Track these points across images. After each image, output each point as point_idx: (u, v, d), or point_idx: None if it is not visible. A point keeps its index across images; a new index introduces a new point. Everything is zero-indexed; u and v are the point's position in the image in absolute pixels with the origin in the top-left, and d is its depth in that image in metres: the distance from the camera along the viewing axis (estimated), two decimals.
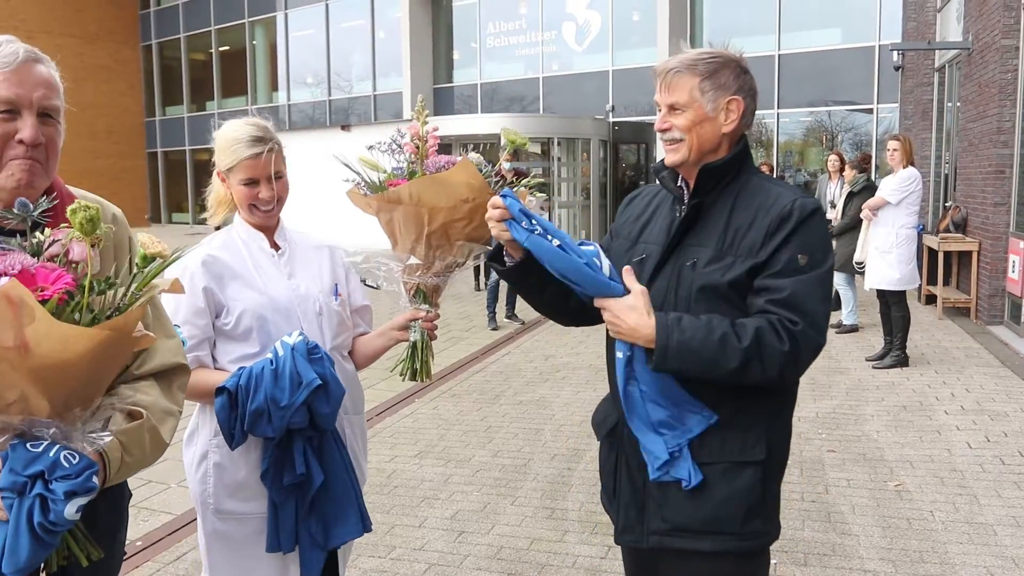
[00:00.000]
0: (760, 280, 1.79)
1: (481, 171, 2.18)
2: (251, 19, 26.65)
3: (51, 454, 1.36)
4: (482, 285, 12.28)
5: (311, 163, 8.97)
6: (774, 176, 2.33)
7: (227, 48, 27.87)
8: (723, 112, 1.86)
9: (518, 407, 6.21)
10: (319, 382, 2.03)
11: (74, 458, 1.38)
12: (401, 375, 2.39)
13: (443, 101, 22.27)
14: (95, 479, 1.39)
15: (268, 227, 2.29)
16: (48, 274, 1.29)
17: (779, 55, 17.33)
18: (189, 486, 2.25)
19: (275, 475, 2.09)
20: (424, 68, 22.21)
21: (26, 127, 1.50)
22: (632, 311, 1.78)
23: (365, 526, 2.26)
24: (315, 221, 7.14)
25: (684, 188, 1.95)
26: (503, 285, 9.68)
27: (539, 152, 18.48)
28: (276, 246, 2.30)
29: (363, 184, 2.29)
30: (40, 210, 1.40)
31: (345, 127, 21.37)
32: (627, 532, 1.99)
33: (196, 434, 2.24)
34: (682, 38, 18.03)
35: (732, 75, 1.87)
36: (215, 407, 2.04)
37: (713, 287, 1.81)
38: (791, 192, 1.87)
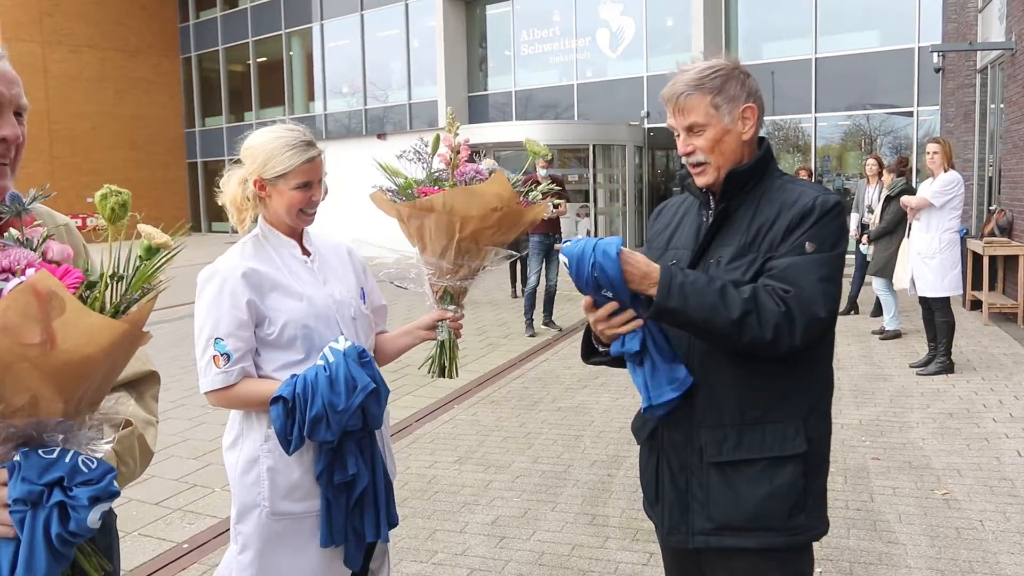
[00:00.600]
0: (768, 264, 1.84)
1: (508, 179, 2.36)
2: (287, 30, 27.00)
3: (67, 460, 1.29)
4: (519, 292, 12.30)
5: (348, 172, 9.07)
6: (812, 181, 2.35)
7: (264, 59, 28.27)
8: (740, 121, 1.91)
9: (557, 413, 6.21)
10: (373, 385, 2.08)
11: (92, 463, 1.32)
12: (429, 372, 2.49)
13: (478, 109, 22.37)
14: (115, 483, 1.33)
15: (296, 233, 2.31)
16: (54, 269, 1.25)
17: (816, 58, 17.17)
18: (234, 491, 2.26)
19: (328, 475, 2.13)
20: (459, 76, 22.34)
21: (7, 125, 1.46)
22: (643, 261, 1.82)
23: (391, 521, 2.30)
24: (351, 229, 7.24)
25: (710, 194, 1.99)
26: (540, 292, 9.69)
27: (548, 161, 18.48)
28: (307, 252, 2.34)
29: (394, 191, 2.38)
30: (32, 202, 1.37)
31: (381, 136, 21.57)
32: (673, 533, 2.00)
33: (240, 440, 2.26)
34: (716, 43, 17.93)
35: (738, 84, 1.90)
36: (271, 415, 2.08)
37: (736, 284, 1.82)
38: (813, 190, 1.90)
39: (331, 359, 2.08)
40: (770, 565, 1.91)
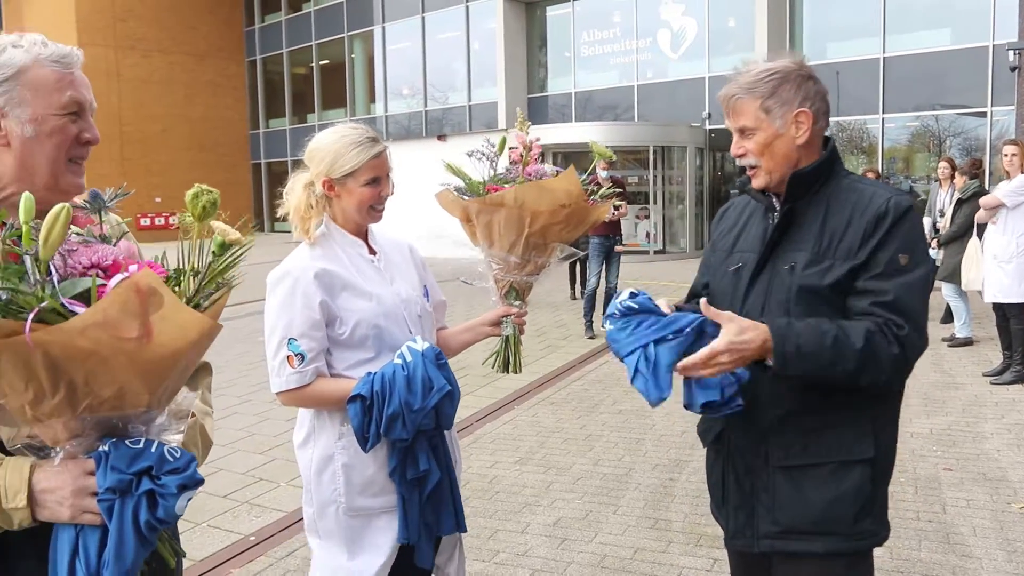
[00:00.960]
0: (863, 282, 1.81)
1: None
2: (350, 33, 27.39)
3: (153, 449, 1.33)
4: (578, 294, 12.28)
5: (408, 173, 9.17)
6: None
7: (327, 62, 28.73)
8: (792, 126, 1.88)
9: (617, 416, 6.18)
10: (449, 387, 2.10)
11: (177, 452, 1.36)
12: (494, 367, 2.56)
13: (537, 110, 22.39)
14: (199, 472, 1.39)
15: (363, 232, 2.34)
16: (132, 263, 1.28)
17: (884, 58, 16.77)
18: (309, 488, 2.30)
19: (402, 472, 2.16)
20: (519, 78, 22.38)
21: (91, 128, 1.53)
22: (748, 330, 1.77)
23: (459, 522, 2.33)
24: (412, 229, 7.29)
25: (773, 196, 1.98)
26: (599, 294, 9.65)
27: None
28: (373, 251, 2.35)
29: (462, 189, 2.45)
30: (114, 199, 1.43)
31: (441, 137, 21.75)
32: (738, 537, 2.00)
33: (313, 438, 2.28)
34: (780, 43, 17.64)
35: (793, 88, 1.87)
36: (349, 413, 2.10)
37: (813, 289, 1.83)
38: (885, 191, 1.88)
39: (409, 359, 2.10)
40: (836, 570, 1.90)
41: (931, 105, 16.65)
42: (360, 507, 2.23)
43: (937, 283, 8.92)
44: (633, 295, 1.94)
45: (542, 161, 2.53)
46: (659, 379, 1.83)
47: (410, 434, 2.09)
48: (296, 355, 2.15)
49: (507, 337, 2.52)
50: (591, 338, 9.32)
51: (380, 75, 26.71)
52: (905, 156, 17.73)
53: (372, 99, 27.36)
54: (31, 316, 1.15)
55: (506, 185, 2.40)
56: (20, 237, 1.21)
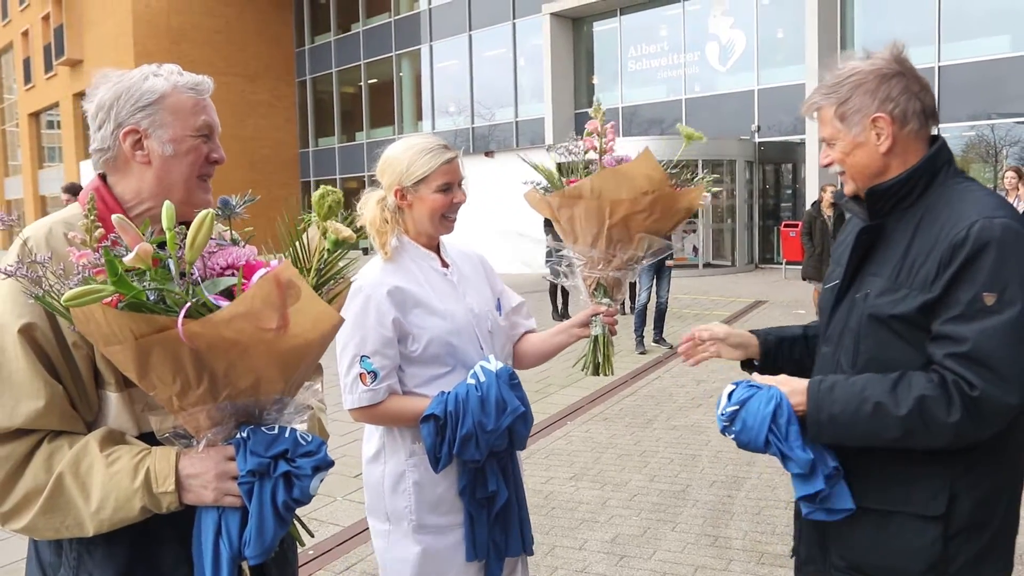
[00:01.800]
0: (939, 325, 1.61)
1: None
2: (398, 52, 27.72)
3: (287, 435, 1.44)
4: (627, 308, 12.20)
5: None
6: (990, 195, 1.82)
7: (375, 81, 29.09)
8: (872, 133, 1.72)
9: (672, 432, 6.10)
10: (523, 409, 2.09)
11: (308, 436, 1.47)
12: (584, 370, 2.44)
13: (584, 125, 22.39)
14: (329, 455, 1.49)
15: (435, 245, 2.32)
16: (261, 265, 1.39)
17: (939, 67, 16.45)
18: (379, 503, 2.28)
19: (471, 491, 2.15)
20: (565, 93, 22.41)
21: (218, 149, 1.68)
22: (797, 394, 1.75)
23: (525, 544, 2.31)
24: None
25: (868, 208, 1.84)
26: (650, 308, 9.57)
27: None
28: (445, 264, 2.34)
29: (541, 185, 2.36)
30: (242, 205, 1.58)
31: (488, 153, 21.82)
32: (809, 563, 1.95)
33: (383, 454, 2.28)
34: (832, 53, 17.41)
35: (867, 93, 1.72)
36: (422, 433, 2.10)
37: (879, 319, 1.68)
38: (977, 210, 1.62)
39: (483, 379, 2.09)
40: None
41: (987, 114, 16.26)
42: (430, 524, 2.23)
43: None
44: (730, 395, 1.83)
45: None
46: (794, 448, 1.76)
47: (483, 455, 2.08)
48: (369, 373, 2.14)
49: (596, 337, 2.40)
50: (642, 353, 9.24)
51: (427, 93, 26.97)
52: (961, 166, 17.24)
53: (420, 117, 27.62)
54: (183, 311, 1.25)
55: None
56: (163, 244, 1.32)
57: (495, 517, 2.20)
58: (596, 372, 2.42)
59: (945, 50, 16.42)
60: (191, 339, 1.27)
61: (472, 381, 2.10)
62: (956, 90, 16.25)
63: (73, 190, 8.74)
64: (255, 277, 1.33)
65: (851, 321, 1.76)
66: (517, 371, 2.37)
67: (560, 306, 12.10)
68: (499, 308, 2.43)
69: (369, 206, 2.28)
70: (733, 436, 1.80)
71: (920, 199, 1.73)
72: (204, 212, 1.31)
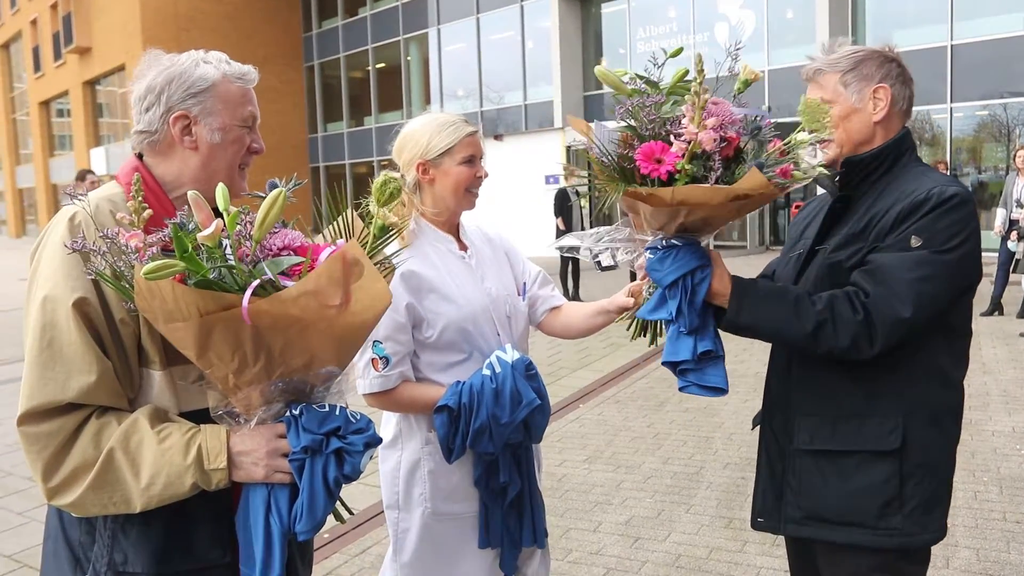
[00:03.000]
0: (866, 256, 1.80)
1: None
2: (405, 36, 27.61)
3: (337, 412, 1.47)
4: None
5: None
6: (947, 175, 2.27)
7: (383, 65, 29.00)
8: (871, 102, 1.88)
9: (685, 414, 6.11)
10: (539, 401, 2.06)
11: (357, 414, 1.50)
12: (634, 335, 2.23)
13: (593, 108, 22.28)
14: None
15: (450, 224, 2.28)
16: (320, 247, 1.43)
17: (951, 45, 16.28)
18: (394, 488, 2.28)
19: (486, 480, 2.16)
20: (574, 76, 22.30)
21: (259, 139, 1.70)
22: (724, 273, 1.86)
23: (536, 536, 2.30)
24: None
25: (838, 184, 1.97)
26: None
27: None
28: (464, 247, 2.30)
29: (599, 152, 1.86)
30: (290, 188, 1.55)
31: (498, 137, 21.79)
32: (764, 517, 2.02)
33: (400, 441, 2.26)
34: (843, 33, 17.25)
35: (875, 64, 1.88)
36: (435, 424, 2.09)
37: (833, 267, 1.83)
38: (936, 180, 1.81)
39: (498, 370, 2.07)
40: (863, 563, 1.86)
41: (1000, 93, 16.09)
42: (445, 512, 2.23)
43: (1016, 277, 8.63)
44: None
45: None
46: (695, 312, 1.84)
47: (497, 448, 2.07)
48: (381, 358, 2.11)
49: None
50: None
51: (436, 77, 26.86)
52: (972, 147, 17.17)
53: (428, 101, 27.53)
54: (251, 289, 1.29)
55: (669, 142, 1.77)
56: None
57: (509, 506, 2.20)
58: (653, 341, 2.16)
59: (958, 29, 16.24)
60: (256, 317, 1.30)
61: (487, 372, 2.07)
62: (969, 69, 16.09)
63: (83, 176, 8.78)
64: (323, 255, 1.37)
65: (815, 274, 1.90)
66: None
67: (572, 289, 12.09)
68: (523, 293, 2.39)
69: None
70: (651, 263, 1.85)
71: (884, 176, 1.89)
72: (277, 191, 1.36)
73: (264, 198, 1.42)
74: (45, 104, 38.80)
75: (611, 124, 1.90)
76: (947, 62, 16.33)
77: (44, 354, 1.42)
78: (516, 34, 23.96)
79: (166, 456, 1.43)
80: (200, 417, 1.52)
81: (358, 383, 2.17)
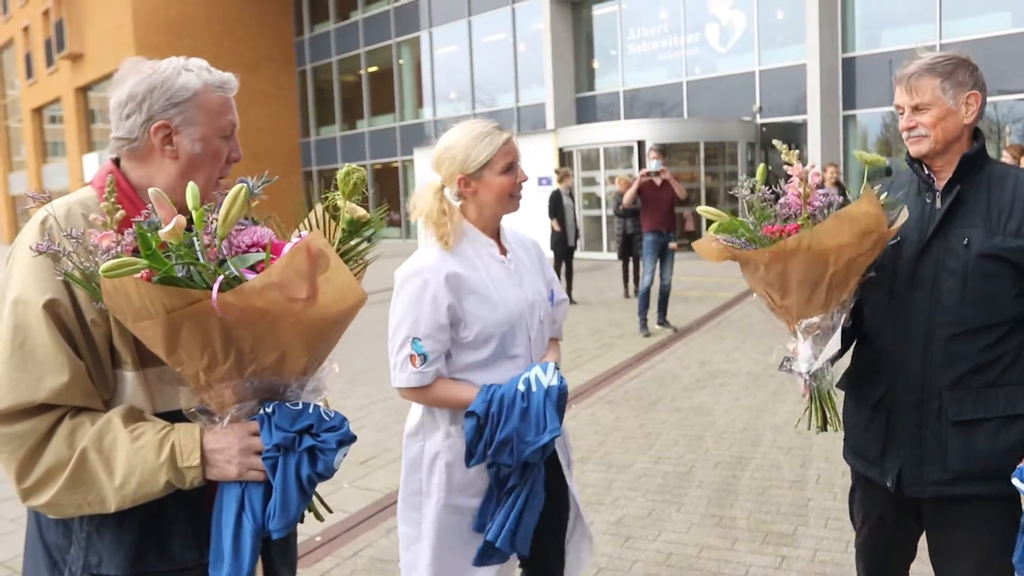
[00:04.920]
0: None
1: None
2: (397, 39, 27.63)
3: (311, 410, 1.48)
4: (631, 292, 12.23)
5: None
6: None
7: (375, 68, 29.03)
8: (964, 106, 2.10)
9: (676, 414, 6.14)
10: (559, 433, 2.11)
11: (331, 412, 1.51)
12: (814, 429, 2.28)
13: (585, 110, 22.35)
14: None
15: (492, 228, 2.34)
16: (285, 244, 1.43)
17: (940, 44, 16.35)
18: (413, 477, 2.34)
19: (497, 481, 2.21)
20: (566, 78, 22.35)
21: (237, 148, 1.71)
22: None
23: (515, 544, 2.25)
24: None
25: (933, 177, 2.16)
26: (654, 291, 9.59)
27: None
28: (504, 250, 2.36)
29: (737, 238, 2.13)
30: (259, 187, 1.61)
31: None
32: (911, 485, 2.18)
33: (422, 432, 2.32)
34: (832, 33, 17.33)
35: (967, 73, 2.11)
36: (464, 427, 2.14)
37: (989, 257, 2.05)
38: None
39: (533, 389, 2.11)
40: (1000, 511, 2.10)
41: (989, 91, 16.01)
42: (457, 505, 2.29)
43: None
44: None
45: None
46: None
47: (515, 463, 2.11)
48: (419, 355, 2.17)
49: (819, 392, 2.25)
50: (646, 336, 9.27)
51: (428, 80, 26.91)
52: None
53: (420, 104, 27.57)
54: (217, 283, 1.29)
55: (787, 224, 2.07)
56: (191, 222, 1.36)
57: (510, 501, 2.23)
58: (825, 427, 2.26)
59: (946, 27, 16.33)
60: (224, 308, 1.31)
61: (522, 388, 2.12)
62: None
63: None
64: (286, 248, 1.37)
65: (950, 264, 2.09)
66: None
67: (564, 289, 12.12)
68: (552, 297, 2.45)
69: (426, 198, 2.26)
70: None
71: (982, 169, 2.13)
72: (237, 187, 1.36)
73: None
74: (38, 111, 38.75)
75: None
76: None
77: (16, 355, 1.43)
78: (508, 36, 24.02)
79: (139, 455, 1.43)
80: (176, 417, 1.53)
81: (393, 376, 2.24)
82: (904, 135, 2.14)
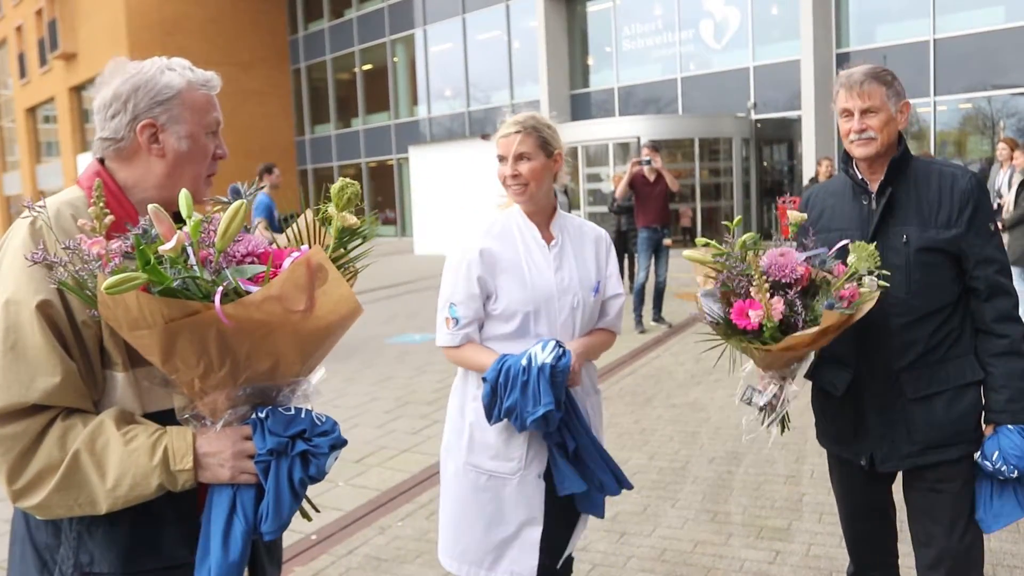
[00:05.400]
0: (975, 251, 2.26)
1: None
2: (392, 37, 27.60)
3: (303, 415, 1.50)
4: (626, 288, 12.21)
5: (453, 172, 9.21)
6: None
7: (370, 66, 28.98)
8: (899, 114, 2.32)
9: (672, 410, 6.15)
10: (551, 408, 2.25)
11: (323, 417, 1.53)
12: (766, 426, 2.46)
13: (580, 107, 22.33)
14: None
15: (540, 215, 2.52)
16: (283, 252, 1.47)
17: (934, 40, 16.38)
18: (451, 426, 2.58)
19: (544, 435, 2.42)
20: (560, 75, 22.34)
21: (222, 145, 1.73)
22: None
23: (622, 484, 2.53)
24: (461, 227, 7.30)
25: (867, 181, 2.37)
26: (648, 288, 9.59)
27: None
28: (550, 237, 2.52)
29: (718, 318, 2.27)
30: (251, 193, 1.60)
31: (484, 136, 21.76)
32: (887, 461, 2.39)
33: (460, 390, 2.57)
34: (826, 29, 17.33)
35: (899, 85, 2.32)
36: (481, 392, 2.37)
37: (929, 250, 2.26)
38: (958, 169, 2.35)
39: (533, 364, 2.26)
40: (964, 471, 2.33)
41: (983, 86, 16.20)
42: (476, 464, 2.49)
43: None
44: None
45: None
46: None
47: (521, 427, 2.30)
48: (452, 319, 2.45)
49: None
50: (641, 332, 9.27)
51: (422, 77, 26.86)
52: (957, 140, 17.28)
53: (415, 102, 27.54)
54: (219, 294, 1.31)
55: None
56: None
57: (574, 457, 2.40)
58: (782, 429, 2.46)
59: (940, 22, 16.35)
60: (229, 318, 1.34)
61: (524, 363, 2.28)
62: (952, 63, 16.20)
63: (269, 169, 9.25)
64: (287, 262, 1.39)
65: (893, 260, 2.26)
66: None
67: None
68: (597, 289, 2.55)
69: None
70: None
71: (908, 169, 2.35)
72: (237, 203, 1.38)
73: (226, 203, 1.44)
74: (31, 111, 38.64)
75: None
76: (930, 56, 16.44)
77: (7, 356, 1.43)
78: (502, 34, 24.00)
79: (132, 457, 1.44)
80: (165, 418, 1.53)
81: (437, 334, 2.52)
82: (851, 137, 2.30)
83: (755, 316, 2.10)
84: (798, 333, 2.13)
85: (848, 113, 2.30)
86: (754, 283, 2.10)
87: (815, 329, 2.11)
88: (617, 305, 2.65)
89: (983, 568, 2.41)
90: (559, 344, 2.33)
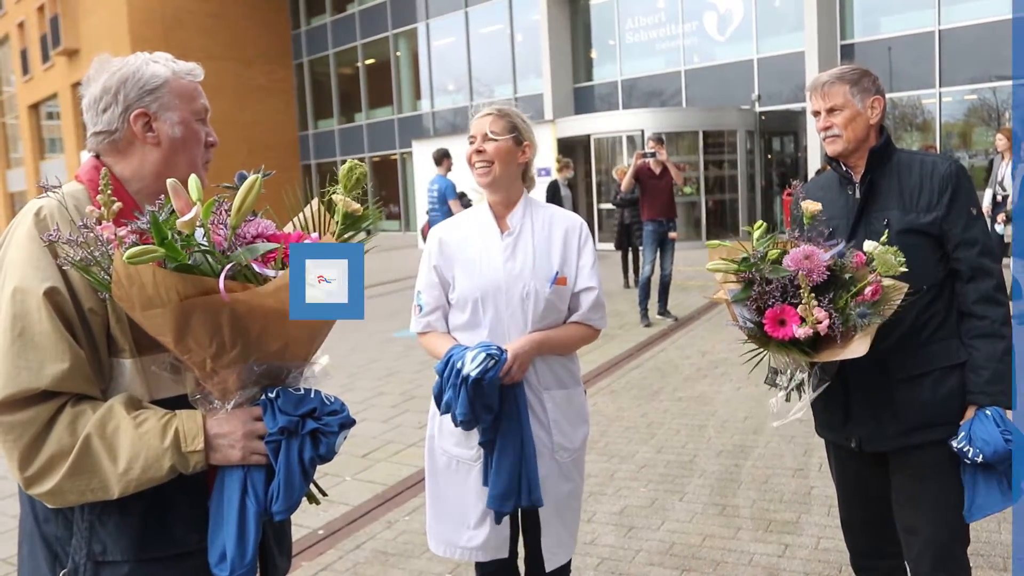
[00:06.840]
0: (956, 233, 2.33)
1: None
2: (394, 31, 27.54)
3: (312, 395, 1.52)
4: (631, 282, 12.21)
5: (456, 166, 9.19)
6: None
7: (373, 61, 28.92)
8: (869, 109, 2.41)
9: (678, 403, 6.14)
10: (466, 418, 2.29)
11: (331, 397, 1.55)
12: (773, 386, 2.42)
13: (583, 100, 22.28)
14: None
15: (501, 205, 2.53)
16: (291, 235, 1.51)
17: (939, 30, 16.30)
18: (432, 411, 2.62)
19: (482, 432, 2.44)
20: (563, 68, 22.28)
21: (212, 132, 1.75)
22: None
23: (531, 497, 2.40)
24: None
25: (851, 172, 2.46)
26: (654, 281, 9.58)
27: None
28: (506, 227, 2.52)
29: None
30: (263, 178, 1.61)
31: None
32: (873, 442, 2.44)
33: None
34: (830, 21, 17.26)
35: (870, 81, 2.42)
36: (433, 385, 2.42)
37: (911, 231, 2.32)
38: (939, 157, 2.44)
39: (458, 370, 2.28)
40: (948, 452, 2.33)
41: (989, 77, 16.11)
42: (442, 448, 2.56)
43: (1005, 260, 8.64)
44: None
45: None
46: None
47: (455, 424, 2.34)
48: (417, 306, 2.54)
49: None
50: (647, 326, 9.26)
51: (425, 72, 26.82)
52: (962, 131, 17.20)
53: (418, 96, 27.49)
54: (224, 271, 1.33)
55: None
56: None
57: (499, 458, 2.40)
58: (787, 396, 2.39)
59: (945, 13, 16.27)
60: (234, 304, 1.37)
61: (459, 365, 2.29)
62: (957, 54, 16.12)
63: (447, 154, 9.57)
64: (292, 245, 1.42)
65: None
66: None
67: None
68: (553, 280, 2.46)
69: None
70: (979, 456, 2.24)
71: (890, 159, 2.45)
72: (253, 177, 1.41)
73: (232, 188, 1.46)
74: (34, 107, 38.64)
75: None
76: (935, 47, 16.36)
77: (16, 344, 1.44)
78: (505, 27, 23.94)
79: (143, 440, 1.45)
80: (172, 404, 1.55)
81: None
82: (821, 135, 2.44)
83: (800, 332, 2.08)
84: (849, 350, 2.13)
85: (817, 114, 2.44)
86: (803, 300, 2.10)
87: (865, 344, 2.12)
88: (590, 298, 2.53)
89: (967, 556, 2.43)
90: (492, 353, 2.27)
